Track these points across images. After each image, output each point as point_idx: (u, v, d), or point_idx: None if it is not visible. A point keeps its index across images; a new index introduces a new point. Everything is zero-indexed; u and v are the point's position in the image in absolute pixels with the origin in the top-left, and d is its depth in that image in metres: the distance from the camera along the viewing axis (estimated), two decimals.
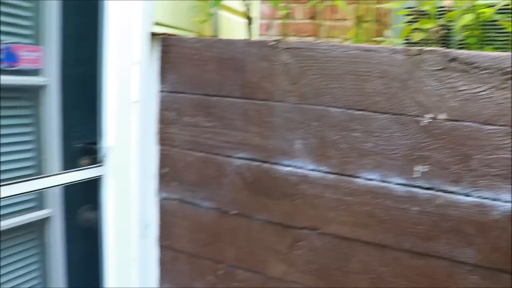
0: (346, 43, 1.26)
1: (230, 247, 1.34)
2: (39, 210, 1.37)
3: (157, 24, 1.32)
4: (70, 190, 1.40)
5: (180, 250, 1.45)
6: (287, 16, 2.35)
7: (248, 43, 1.25)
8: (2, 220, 1.24)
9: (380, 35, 1.81)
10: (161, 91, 1.39)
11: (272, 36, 1.44)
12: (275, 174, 1.25)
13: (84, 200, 1.47)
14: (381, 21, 1.86)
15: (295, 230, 1.25)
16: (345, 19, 2.10)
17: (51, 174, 1.31)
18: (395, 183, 1.11)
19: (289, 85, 1.20)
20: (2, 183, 1.07)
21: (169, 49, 1.36)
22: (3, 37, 1.15)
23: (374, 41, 1.59)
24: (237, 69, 1.25)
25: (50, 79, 1.30)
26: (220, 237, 1.36)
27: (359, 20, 1.54)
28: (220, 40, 1.32)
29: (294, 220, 1.24)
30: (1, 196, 1.08)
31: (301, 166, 1.22)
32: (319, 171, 1.19)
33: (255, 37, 1.50)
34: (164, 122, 1.40)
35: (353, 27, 1.59)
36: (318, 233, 1.21)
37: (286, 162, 1.23)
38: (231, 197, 1.31)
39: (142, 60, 1.33)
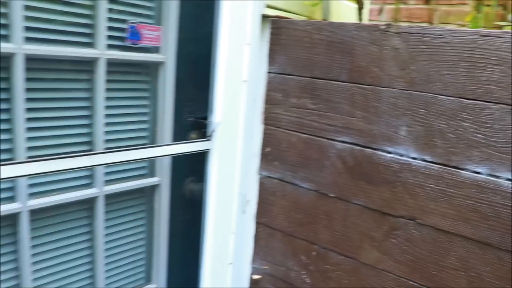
0: (462, 28, 1.33)
1: (325, 229, 1.53)
2: (150, 177, 1.71)
3: (269, 7, 1.55)
4: (178, 161, 1.72)
5: (276, 228, 1.68)
6: (400, 0, 2.46)
7: (358, 26, 1.40)
8: (119, 183, 1.60)
9: (504, 20, 1.86)
10: (269, 72, 1.61)
11: (382, 21, 1.58)
12: (377, 160, 1.40)
13: (189, 171, 1.78)
14: (505, 5, 1.90)
15: (392, 218, 1.39)
16: (464, 3, 2.15)
17: (163, 144, 1.62)
18: (505, 179, 1.12)
19: (398, 71, 1.32)
20: (120, 149, 1.38)
21: (280, 31, 1.56)
22: (130, 17, 1.47)
23: (495, 26, 1.68)
24: (345, 53, 1.42)
25: (167, 56, 1.59)
26: (316, 219, 1.56)
27: (480, 3, 1.64)
28: (331, 23, 1.48)
29: (392, 208, 1.38)
30: (120, 161, 1.40)
31: (404, 154, 1.34)
32: (422, 160, 1.31)
33: (365, 22, 1.66)
34: (270, 102, 1.63)
35: (472, 11, 1.71)
36: (416, 223, 1.34)
37: (389, 149, 1.37)
38: (331, 180, 1.50)
39: (252, 41, 1.58)
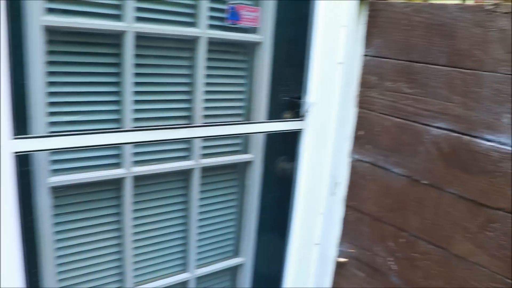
0: None
1: (416, 216, 1.51)
2: (244, 154, 1.78)
3: None
4: (271, 139, 1.77)
5: (364, 212, 1.68)
6: None
7: (461, 7, 1.34)
8: (215, 157, 1.70)
9: None
10: (365, 55, 1.60)
11: (488, 1, 1.50)
12: (475, 148, 1.34)
13: (282, 150, 1.83)
14: None
15: (489, 209, 1.32)
16: None
17: (257, 121, 1.69)
18: None
19: (504, 54, 1.25)
20: (218, 124, 1.48)
21: (377, 13, 1.55)
22: None
23: None
24: (445, 36, 1.37)
25: (265, 37, 1.63)
26: (406, 205, 1.54)
27: None
28: (431, 4, 1.43)
29: (489, 199, 1.32)
30: (217, 135, 1.50)
31: (506, 143, 1.27)
32: None
33: (469, 2, 1.56)
34: (365, 85, 1.62)
35: None
36: None
37: (489, 137, 1.31)
38: (424, 166, 1.46)
39: (349, 23, 1.59)
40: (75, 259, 1.47)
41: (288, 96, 1.72)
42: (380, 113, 1.58)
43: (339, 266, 1.78)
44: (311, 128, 1.63)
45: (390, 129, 1.55)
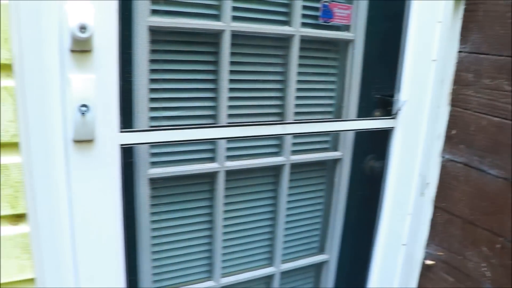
0: None
1: None
2: (333, 151, 1.81)
3: None
4: (360, 137, 1.77)
5: (456, 214, 1.63)
6: None
7: None
8: (305, 154, 1.72)
9: None
10: (460, 51, 1.56)
11: None
12: None
13: (371, 148, 1.83)
14: None
15: None
16: None
17: (348, 119, 1.70)
18: None
19: None
20: (309, 121, 1.50)
21: (475, 7, 1.49)
22: None
23: None
24: None
25: (357, 34, 1.64)
26: (504, 209, 1.47)
27: None
28: None
29: None
30: (308, 132, 1.53)
31: None
32: None
33: None
34: (460, 83, 1.58)
35: None
36: None
37: None
38: None
39: (444, 19, 1.56)
40: (168, 247, 1.57)
41: (379, 94, 1.71)
42: (476, 112, 1.53)
43: (425, 268, 1.75)
44: (402, 126, 1.62)
45: (487, 128, 1.49)
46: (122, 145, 1.17)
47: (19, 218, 1.11)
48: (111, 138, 1.15)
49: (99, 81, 1.09)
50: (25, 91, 1.03)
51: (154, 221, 1.49)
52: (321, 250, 1.93)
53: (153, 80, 1.35)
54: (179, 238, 1.58)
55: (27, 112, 1.05)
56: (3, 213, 1.07)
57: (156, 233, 1.51)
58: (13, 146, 1.05)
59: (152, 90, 1.36)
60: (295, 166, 1.69)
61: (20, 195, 1.08)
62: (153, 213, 1.48)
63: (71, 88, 1.05)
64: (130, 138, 1.20)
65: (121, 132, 1.16)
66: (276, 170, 1.67)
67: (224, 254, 1.66)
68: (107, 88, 1.11)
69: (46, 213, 1.13)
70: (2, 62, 0.98)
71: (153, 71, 1.33)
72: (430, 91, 1.63)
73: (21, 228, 1.12)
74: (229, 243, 1.68)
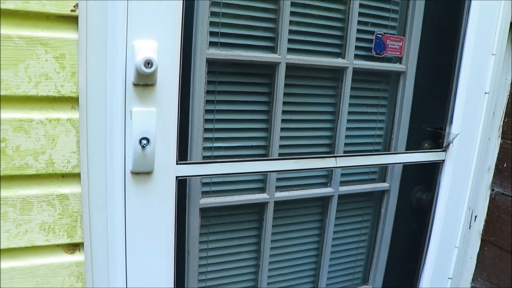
0: None
1: None
2: (381, 182, 1.75)
3: None
4: (408, 168, 1.72)
5: (505, 248, 1.58)
6: None
7: None
8: (353, 185, 1.69)
9: None
10: None
11: None
12: None
13: (419, 180, 1.77)
14: None
15: None
16: None
17: (399, 152, 1.65)
18: None
19: None
20: (358, 154, 1.47)
21: None
22: (376, 29, 1.54)
23: None
24: None
25: (408, 66, 1.60)
26: None
27: None
28: None
29: None
30: (358, 165, 1.48)
31: None
32: None
33: None
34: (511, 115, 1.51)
35: None
36: None
37: None
38: None
39: (498, 51, 1.52)
40: (215, 276, 1.55)
41: (430, 127, 1.67)
42: None
43: None
44: (452, 159, 1.58)
45: None
46: (178, 177, 1.16)
47: (75, 247, 1.11)
48: (168, 170, 1.14)
49: (160, 114, 1.08)
50: (88, 124, 1.03)
51: (202, 250, 1.47)
52: (364, 280, 1.86)
53: (208, 111, 1.34)
54: (226, 267, 1.56)
55: (89, 144, 1.05)
56: (60, 241, 1.08)
57: (203, 262, 1.49)
58: (74, 176, 1.05)
59: (207, 121, 1.34)
60: (342, 197, 1.65)
61: (77, 224, 1.08)
62: (202, 242, 1.46)
63: (133, 121, 1.04)
64: (186, 170, 1.19)
65: (178, 164, 1.16)
66: (324, 200, 1.63)
67: (269, 283, 1.62)
68: (167, 121, 1.10)
69: (101, 243, 1.13)
70: (68, 95, 0.99)
71: (208, 101, 1.32)
72: (481, 123, 1.59)
73: (77, 257, 1.11)
74: (275, 273, 1.65)
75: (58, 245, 1.08)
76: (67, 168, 1.04)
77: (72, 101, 1.00)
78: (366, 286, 1.84)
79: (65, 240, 1.08)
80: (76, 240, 1.09)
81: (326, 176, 1.60)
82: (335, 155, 1.39)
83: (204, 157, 1.34)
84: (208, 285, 1.50)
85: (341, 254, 1.76)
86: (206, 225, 1.45)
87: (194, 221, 1.39)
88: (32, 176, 1.01)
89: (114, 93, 1.03)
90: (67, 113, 1.00)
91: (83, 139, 1.03)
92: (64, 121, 1.00)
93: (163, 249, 1.17)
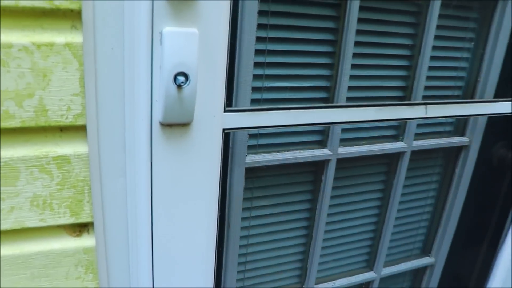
0: None
1: None
2: (458, 136, 1.42)
3: None
4: (491, 120, 1.39)
5: None
6: None
7: None
8: (425, 139, 1.34)
9: None
10: None
11: None
12: None
13: (502, 135, 1.46)
14: None
15: None
16: None
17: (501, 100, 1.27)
18: None
19: None
20: (451, 102, 1.12)
21: None
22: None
23: None
24: None
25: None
26: None
27: None
28: None
29: None
30: (449, 115, 1.13)
31: None
32: None
33: None
34: None
35: None
36: None
37: None
38: None
39: None
40: (259, 249, 1.23)
41: None
42: None
43: None
44: None
45: None
46: (225, 129, 0.82)
47: (82, 228, 0.80)
48: (213, 120, 0.78)
49: (204, 38, 0.72)
50: (97, 52, 0.68)
51: (244, 219, 1.14)
52: (425, 251, 1.57)
53: (259, 39, 0.99)
54: (270, 238, 1.24)
55: (98, 82, 0.70)
56: (61, 221, 0.76)
57: (245, 233, 1.17)
58: (78, 130, 0.72)
59: (258, 52, 0.99)
60: (413, 153, 1.29)
61: (84, 197, 0.76)
62: (245, 209, 1.13)
63: (165, 47, 0.68)
64: (236, 120, 0.84)
65: (226, 112, 0.80)
66: (390, 157, 1.30)
67: (323, 255, 1.33)
68: (213, 49, 0.73)
69: (119, 222, 0.80)
70: (65, 6, 0.64)
71: (260, 26, 0.97)
72: None
73: (85, 241, 0.80)
74: (330, 243, 1.34)
75: (58, 226, 0.78)
76: (67, 118, 0.70)
77: (72, 16, 0.66)
78: (428, 257, 1.55)
79: (68, 220, 0.77)
80: (83, 219, 0.78)
81: (397, 127, 1.25)
82: (425, 101, 1.05)
83: (252, 101, 0.99)
84: (248, 260, 1.20)
85: (405, 221, 1.46)
86: (250, 188, 1.11)
87: (237, 185, 1.06)
88: (16, 130, 0.68)
89: (136, 4, 0.66)
90: (65, 35, 0.66)
91: (90, 75, 0.68)
92: (60, 47, 0.65)
93: (203, 231, 0.86)
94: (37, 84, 0.66)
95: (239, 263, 1.17)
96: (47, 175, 0.72)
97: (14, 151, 0.69)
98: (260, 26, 0.93)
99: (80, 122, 0.71)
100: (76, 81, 0.68)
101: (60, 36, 0.65)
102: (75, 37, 0.66)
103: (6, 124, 0.66)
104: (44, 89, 0.66)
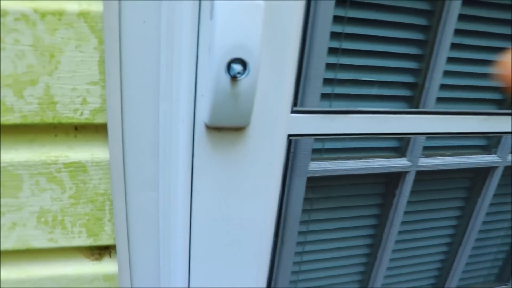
0: None
1: None
2: None
3: None
4: None
5: None
6: None
7: None
8: None
9: None
10: None
11: None
12: None
13: None
14: None
15: None
16: None
17: None
18: None
19: None
20: None
21: None
22: None
23: None
24: None
25: None
26: None
27: None
28: None
29: None
30: None
31: None
32: None
33: None
34: None
35: None
36: None
37: None
38: None
39: None
40: (314, 267, 1.06)
41: None
42: None
43: None
44: None
45: None
46: (290, 135, 0.62)
47: (102, 251, 0.64)
48: (277, 123, 0.58)
49: (270, 15, 0.50)
50: (123, 27, 0.48)
51: (301, 233, 0.98)
52: (501, 279, 1.32)
53: (336, 18, 0.75)
54: (328, 256, 1.07)
55: (124, 67, 0.50)
56: (75, 243, 0.60)
57: (299, 249, 1.01)
58: (96, 130, 0.55)
59: (333, 35, 0.76)
60: (506, 169, 1.07)
61: (105, 215, 0.60)
62: (302, 222, 0.95)
63: (216, 24, 0.47)
64: (305, 124, 0.64)
65: (293, 113, 0.61)
66: (476, 172, 1.09)
67: (386, 277, 1.14)
68: (282, 30, 0.52)
69: (148, 246, 0.63)
70: None
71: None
72: None
73: (106, 266, 0.64)
74: (395, 264, 1.16)
75: (72, 248, 0.63)
76: (81, 113, 0.53)
77: None
78: (505, 286, 1.32)
79: (84, 241, 0.62)
80: (104, 241, 0.62)
81: (489, 137, 1.04)
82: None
83: (322, 97, 0.79)
84: (300, 279, 1.04)
85: (482, 243, 1.24)
86: (309, 199, 0.93)
87: (296, 197, 0.87)
88: (16, 127, 0.52)
89: None
90: (78, 1, 0.47)
91: (113, 57, 0.49)
92: (72, 18, 0.47)
93: (252, 273, 0.67)
94: (41, 68, 0.50)
95: (291, 281, 1.00)
96: (57, 186, 0.58)
97: (15, 154, 0.54)
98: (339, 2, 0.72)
99: (99, 119, 0.55)
100: (94, 64, 0.51)
101: (73, 2, 0.48)
102: (93, 4, 0.49)
103: (3, 119, 0.51)
104: (51, 74, 0.51)
